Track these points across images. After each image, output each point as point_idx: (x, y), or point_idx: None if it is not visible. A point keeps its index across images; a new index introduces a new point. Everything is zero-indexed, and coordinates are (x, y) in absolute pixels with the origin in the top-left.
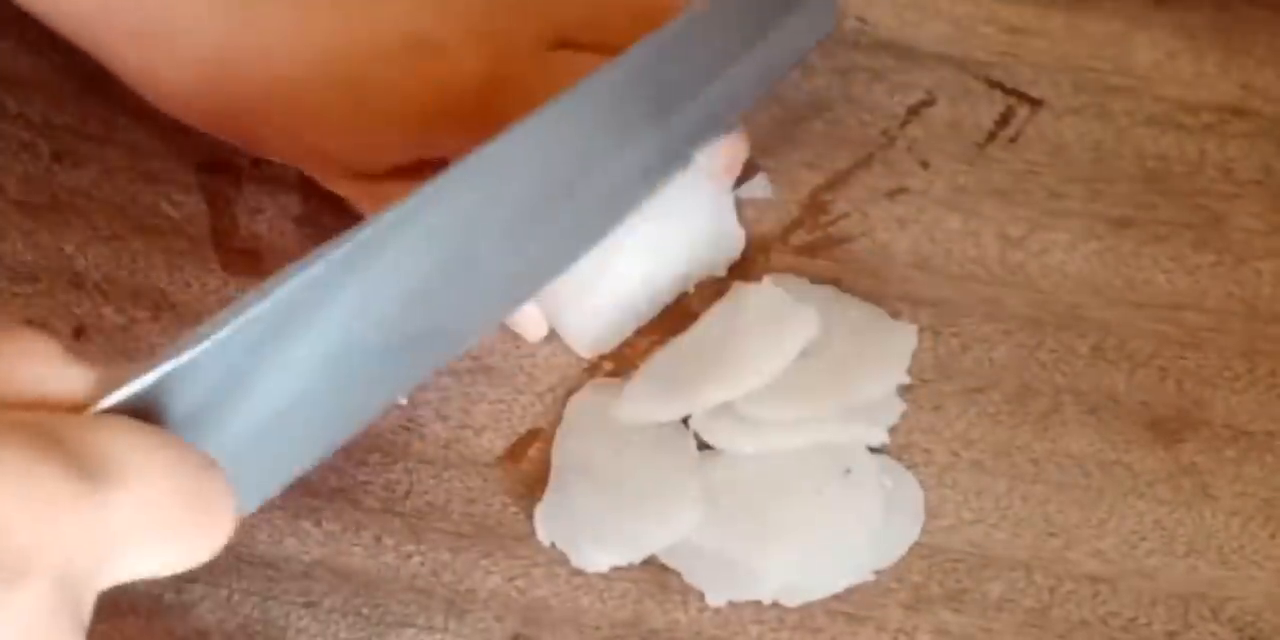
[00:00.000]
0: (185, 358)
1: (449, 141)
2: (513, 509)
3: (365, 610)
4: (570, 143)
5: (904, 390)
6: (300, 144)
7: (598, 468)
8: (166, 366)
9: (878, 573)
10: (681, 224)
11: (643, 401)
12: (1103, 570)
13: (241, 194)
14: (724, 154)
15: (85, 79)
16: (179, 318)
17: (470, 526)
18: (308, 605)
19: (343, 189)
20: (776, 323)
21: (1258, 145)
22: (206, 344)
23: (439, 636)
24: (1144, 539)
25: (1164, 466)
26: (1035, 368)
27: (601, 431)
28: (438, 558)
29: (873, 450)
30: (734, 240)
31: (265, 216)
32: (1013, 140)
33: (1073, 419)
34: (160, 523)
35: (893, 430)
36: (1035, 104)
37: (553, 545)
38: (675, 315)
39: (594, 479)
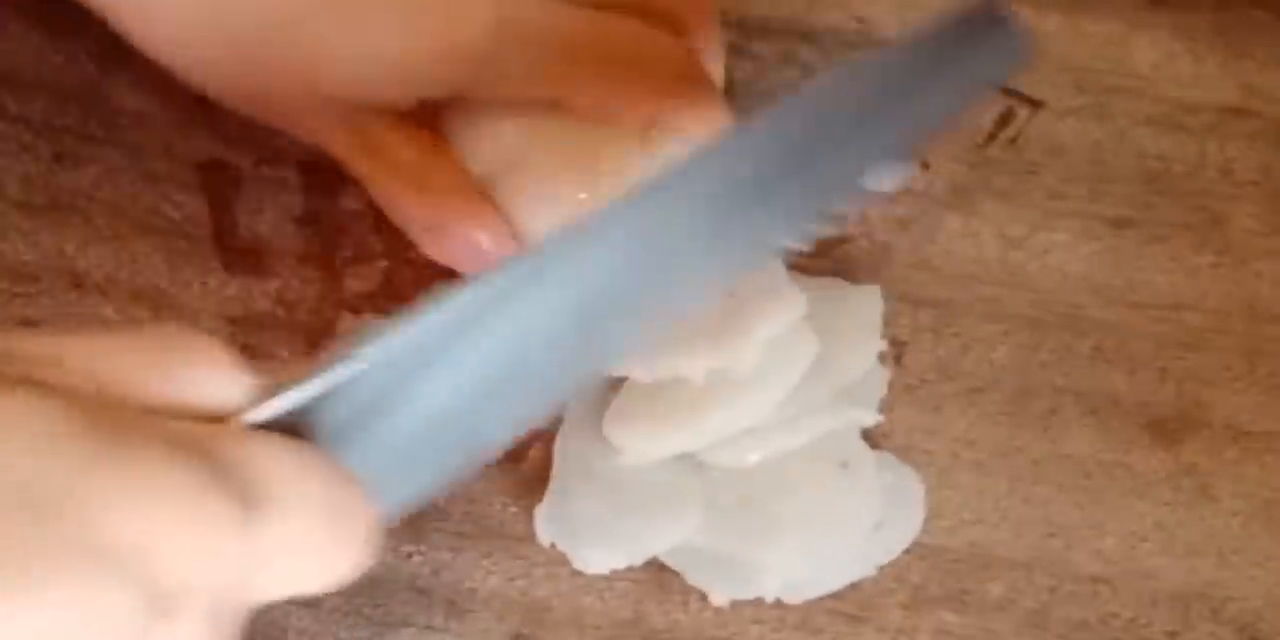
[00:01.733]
0: (340, 375)
1: (451, 83)
2: (513, 509)
3: (365, 610)
4: (695, 200)
5: (885, 358)
6: (296, 87)
7: (598, 470)
8: (321, 383)
9: (880, 570)
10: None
11: (637, 440)
12: (1103, 571)
13: (241, 194)
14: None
15: (86, 80)
16: (179, 318)
17: (470, 526)
18: (308, 605)
19: (337, 143)
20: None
21: (1258, 146)
22: (363, 363)
23: (439, 636)
24: (1144, 539)
25: (1164, 467)
26: (1035, 368)
27: (601, 434)
28: (438, 558)
29: (873, 446)
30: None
31: (265, 216)
32: (1013, 141)
33: (1073, 419)
34: (308, 547)
35: (893, 431)
36: (1035, 105)
37: (553, 546)
38: None
39: (594, 481)
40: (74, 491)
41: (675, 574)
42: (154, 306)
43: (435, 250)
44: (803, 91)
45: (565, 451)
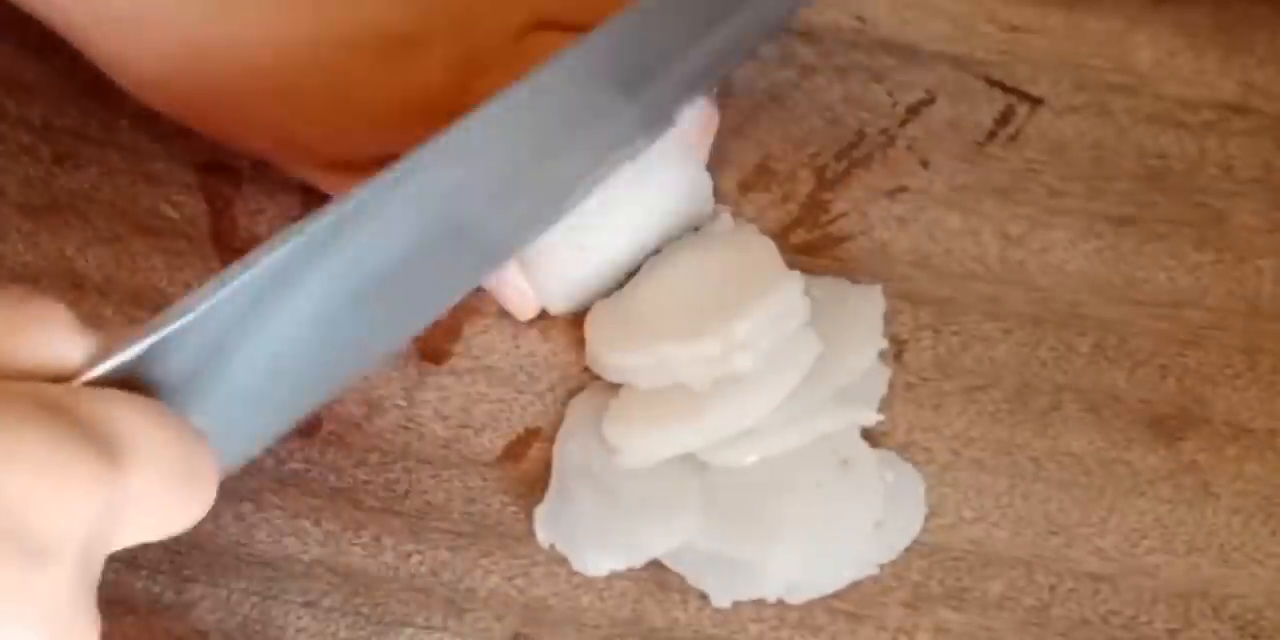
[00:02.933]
0: (171, 328)
1: (426, 134)
2: (512, 508)
3: (365, 610)
4: (548, 112)
5: (886, 356)
6: (274, 134)
7: (598, 471)
8: (154, 337)
9: (880, 568)
10: (655, 185)
11: (636, 441)
12: (1103, 568)
13: (241, 195)
14: (697, 119)
15: (85, 82)
16: None
17: (470, 526)
18: (307, 605)
19: (320, 181)
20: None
21: (1258, 143)
22: (190, 315)
23: (439, 636)
24: (1145, 537)
25: (1165, 464)
26: (1036, 366)
27: (603, 436)
28: (437, 557)
29: (873, 445)
30: (705, 201)
31: (265, 217)
32: (1013, 139)
33: (1073, 417)
34: (161, 496)
35: (893, 428)
36: (1035, 102)
37: (552, 547)
38: None
39: (595, 483)
40: None
41: (675, 573)
42: (154, 307)
43: None
44: (611, 22)
45: (565, 452)
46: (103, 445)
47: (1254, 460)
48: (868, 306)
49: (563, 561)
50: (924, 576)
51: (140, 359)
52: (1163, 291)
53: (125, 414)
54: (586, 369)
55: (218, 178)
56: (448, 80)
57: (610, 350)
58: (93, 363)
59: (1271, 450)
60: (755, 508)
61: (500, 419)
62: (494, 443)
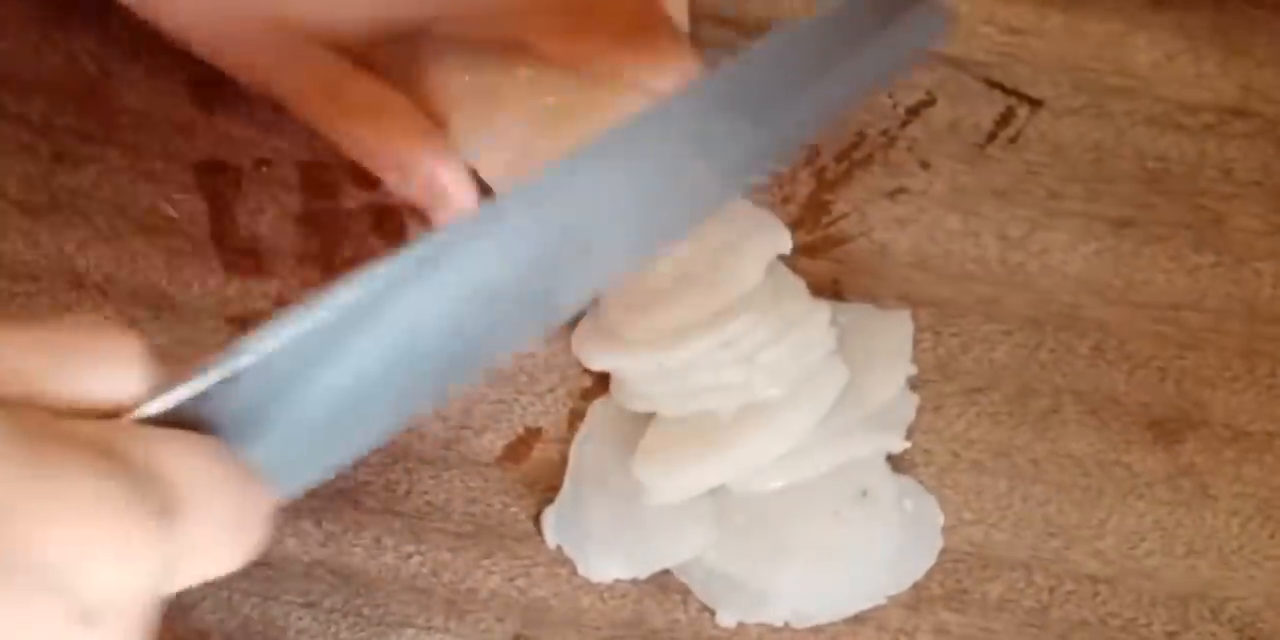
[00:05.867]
0: (236, 366)
1: (416, 18)
2: (513, 509)
3: (365, 610)
4: (655, 152)
5: (915, 381)
6: (261, 20)
7: (613, 480)
8: (216, 374)
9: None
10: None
11: (668, 480)
12: (1102, 570)
13: (241, 194)
14: None
15: (85, 80)
16: (179, 318)
17: (470, 526)
18: (308, 605)
19: (294, 84)
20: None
21: (1257, 146)
22: (256, 354)
23: (439, 636)
24: (1144, 539)
25: (1163, 467)
26: (1035, 368)
27: (621, 443)
28: (438, 558)
29: (888, 457)
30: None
31: (265, 216)
32: (1012, 140)
33: (1072, 419)
34: (212, 542)
35: None
36: (1035, 104)
37: (558, 548)
38: None
39: (609, 491)
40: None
41: (674, 575)
42: (154, 306)
43: (401, 189)
44: (743, 55)
45: (581, 456)
46: (161, 499)
47: (1252, 463)
48: (896, 333)
49: (564, 563)
50: (924, 578)
51: (203, 393)
52: (1162, 294)
53: (184, 459)
54: (587, 370)
55: (218, 177)
56: None
57: (606, 350)
58: (152, 395)
59: (1269, 453)
60: (769, 532)
61: (500, 419)
62: (494, 443)
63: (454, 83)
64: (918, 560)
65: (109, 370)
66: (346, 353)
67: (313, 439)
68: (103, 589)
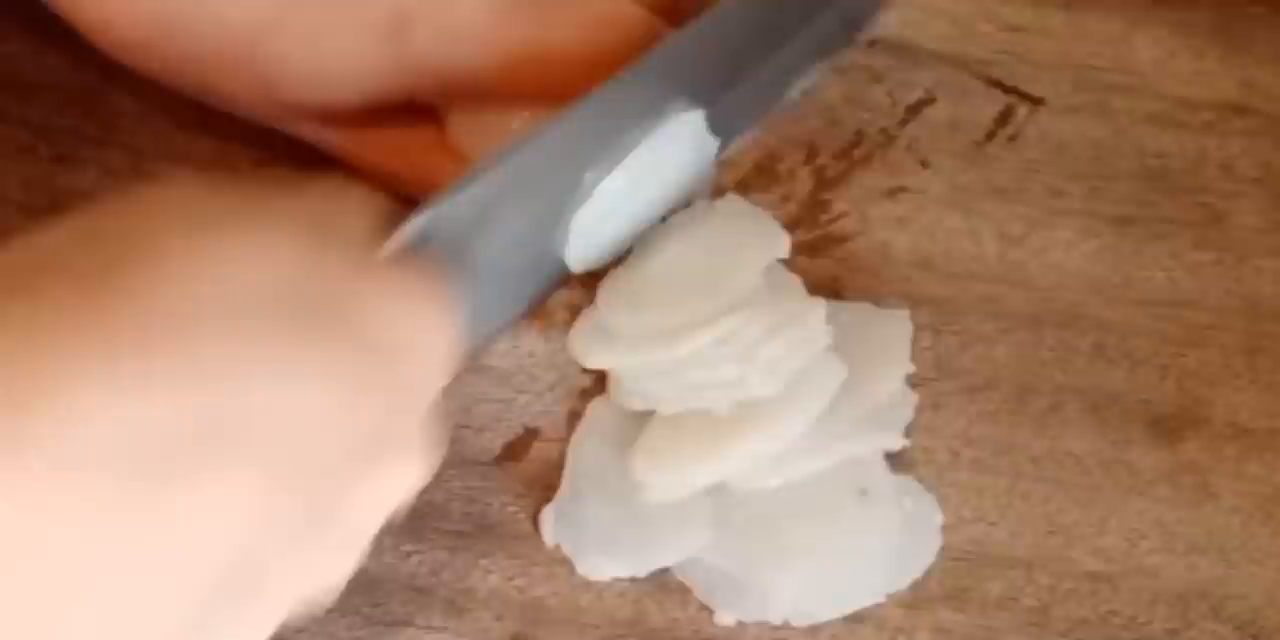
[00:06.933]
0: (453, 196)
1: (409, 91)
2: (512, 508)
3: (365, 610)
4: (603, 129)
5: (913, 379)
6: (255, 95)
7: (612, 478)
8: (431, 214)
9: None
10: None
11: (664, 477)
12: (1103, 569)
13: None
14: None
15: (86, 82)
16: None
17: (470, 526)
18: (306, 605)
19: (307, 129)
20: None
21: (1258, 143)
22: (458, 194)
23: (438, 636)
24: (1144, 537)
25: (1165, 465)
26: (1035, 366)
27: (620, 442)
28: (437, 557)
29: (887, 456)
30: (709, 172)
31: None
32: (1012, 139)
33: (1073, 417)
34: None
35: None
36: (1035, 102)
37: (557, 547)
38: None
39: (607, 489)
40: (338, 296)
41: (673, 574)
42: None
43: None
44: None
45: (580, 455)
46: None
47: (1254, 460)
48: (895, 331)
49: (563, 561)
50: (923, 576)
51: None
52: (1163, 291)
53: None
54: (585, 369)
55: (217, 177)
56: (431, 43)
57: (601, 350)
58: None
59: (1271, 450)
60: (768, 531)
61: (500, 419)
62: (494, 443)
63: (460, 134)
64: (917, 559)
65: (358, 220)
66: (515, 200)
67: (490, 283)
68: (422, 386)
